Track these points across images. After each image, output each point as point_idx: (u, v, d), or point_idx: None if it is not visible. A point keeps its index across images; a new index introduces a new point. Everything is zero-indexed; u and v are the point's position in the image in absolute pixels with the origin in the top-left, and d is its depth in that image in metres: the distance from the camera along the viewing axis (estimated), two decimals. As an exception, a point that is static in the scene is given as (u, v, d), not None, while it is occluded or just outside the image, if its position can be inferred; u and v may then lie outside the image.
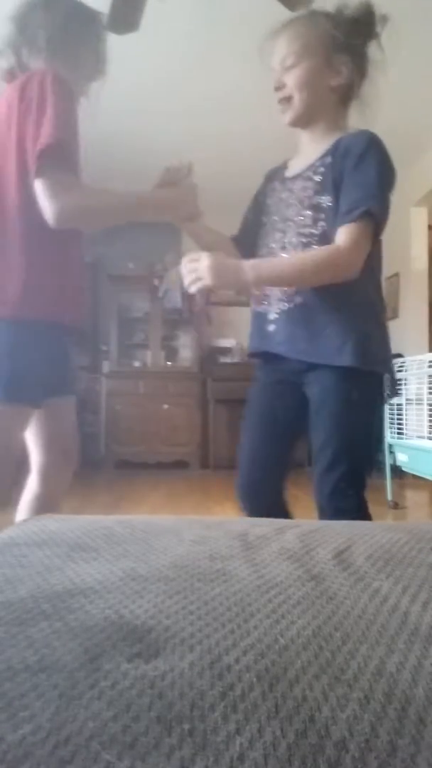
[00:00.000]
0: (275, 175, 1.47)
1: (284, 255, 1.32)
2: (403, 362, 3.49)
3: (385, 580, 0.47)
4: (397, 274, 4.76)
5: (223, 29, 2.98)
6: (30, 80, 1.27)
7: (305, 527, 0.67)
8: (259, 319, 1.42)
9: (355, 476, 1.31)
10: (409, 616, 0.39)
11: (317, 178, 1.30)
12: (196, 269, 1.22)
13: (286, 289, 1.32)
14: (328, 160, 1.28)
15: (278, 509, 1.37)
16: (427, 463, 2.95)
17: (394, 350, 4.47)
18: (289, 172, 1.41)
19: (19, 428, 1.35)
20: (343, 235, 1.21)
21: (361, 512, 1.30)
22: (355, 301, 1.28)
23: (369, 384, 1.30)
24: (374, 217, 1.22)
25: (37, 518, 0.65)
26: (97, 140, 4.20)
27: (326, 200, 1.27)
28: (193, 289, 1.24)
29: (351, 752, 0.25)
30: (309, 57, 1.34)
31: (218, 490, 3.58)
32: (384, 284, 5.10)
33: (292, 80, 1.34)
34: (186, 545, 0.54)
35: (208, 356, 5.03)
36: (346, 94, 1.35)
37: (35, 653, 0.32)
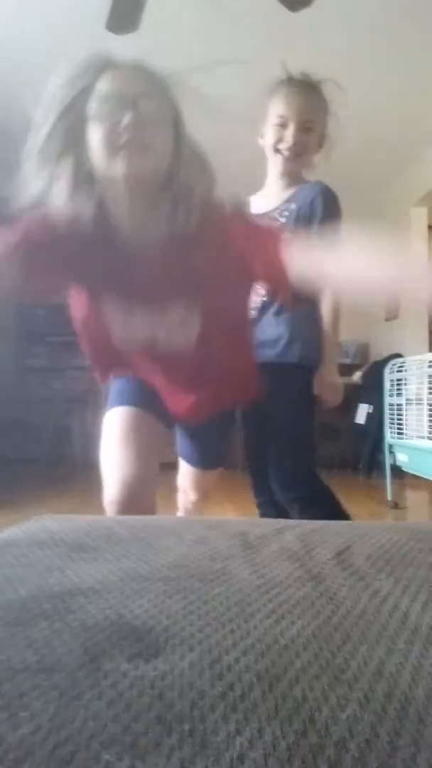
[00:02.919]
0: None
1: None
2: (403, 362, 3.49)
3: (385, 580, 0.47)
4: (397, 274, 4.76)
5: (223, 30, 2.98)
6: None
7: (305, 527, 0.67)
8: None
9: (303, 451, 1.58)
10: (409, 616, 0.39)
11: (282, 219, 1.62)
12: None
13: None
14: (293, 206, 1.61)
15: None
16: (427, 463, 2.95)
17: (393, 350, 4.47)
18: (254, 210, 1.70)
19: None
20: None
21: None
22: (304, 317, 1.60)
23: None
24: None
25: (37, 518, 0.65)
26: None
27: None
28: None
29: (351, 752, 0.25)
30: (321, 125, 1.64)
31: (218, 490, 3.58)
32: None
33: (307, 142, 1.63)
34: (186, 545, 0.54)
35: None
36: None
37: (35, 653, 0.32)
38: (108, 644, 0.33)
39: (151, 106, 0.93)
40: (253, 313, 1.64)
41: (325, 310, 1.61)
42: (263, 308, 1.63)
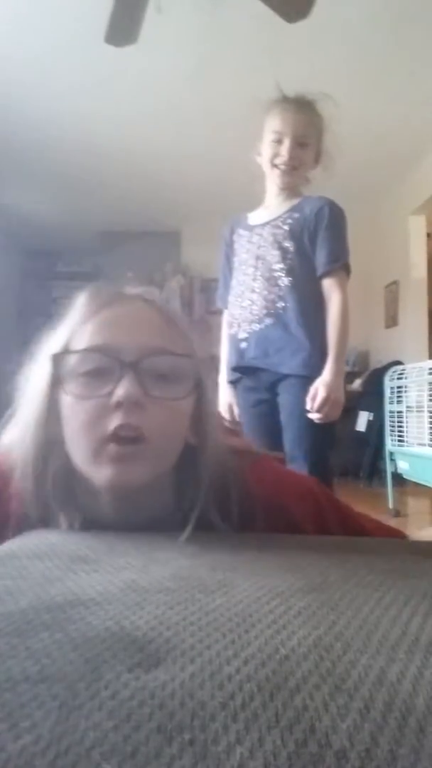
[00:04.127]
0: (238, 224, 1.86)
1: (255, 285, 1.70)
2: (403, 370, 3.49)
3: (387, 591, 0.47)
4: (395, 282, 4.77)
5: (222, 41, 3.01)
6: None
7: (309, 540, 0.67)
8: (232, 339, 1.75)
9: (318, 467, 1.59)
10: (410, 626, 0.39)
11: (286, 227, 1.70)
12: (326, 408, 1.56)
13: (256, 312, 1.68)
14: (296, 215, 1.70)
15: None
16: (428, 471, 2.95)
17: (393, 358, 4.51)
18: (255, 221, 1.80)
19: None
20: (335, 287, 1.65)
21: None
22: (315, 324, 1.64)
23: None
24: (348, 267, 1.69)
25: (37, 531, 0.65)
26: (94, 151, 4.22)
27: (291, 245, 1.68)
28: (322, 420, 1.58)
29: (351, 762, 0.25)
30: (317, 141, 1.70)
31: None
32: (383, 292, 5.12)
33: (302, 156, 1.69)
34: (187, 557, 0.54)
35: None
36: None
37: (36, 663, 0.32)
38: (109, 654, 0.33)
39: (167, 362, 0.64)
40: (264, 318, 1.65)
41: (332, 318, 1.62)
42: (277, 314, 1.64)
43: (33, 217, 5.42)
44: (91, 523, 0.66)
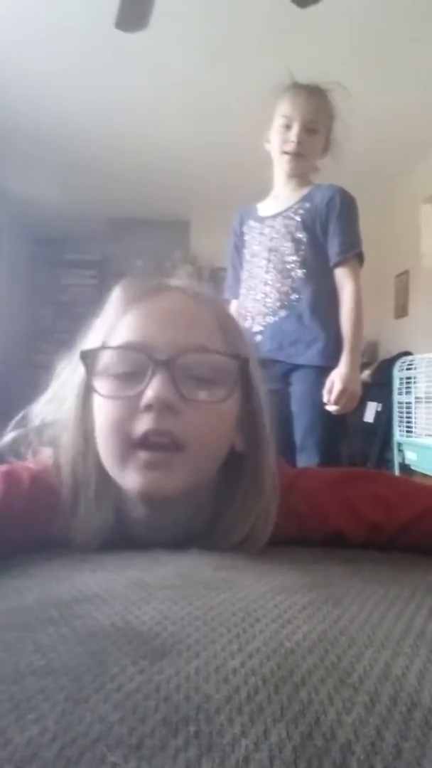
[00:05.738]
0: (248, 215, 1.85)
1: (268, 277, 1.69)
2: (413, 360, 3.47)
3: (392, 585, 0.47)
4: (406, 272, 4.73)
5: (234, 26, 2.97)
6: None
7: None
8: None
9: (329, 457, 1.62)
10: (414, 620, 0.39)
11: (297, 218, 1.69)
12: (343, 399, 1.57)
13: (270, 305, 1.69)
14: (307, 205, 1.69)
15: None
16: (437, 462, 2.94)
17: (402, 348, 4.47)
18: (265, 212, 1.79)
19: None
20: (348, 277, 1.64)
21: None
22: (329, 315, 1.64)
23: None
24: (361, 256, 1.68)
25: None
26: (102, 138, 4.20)
27: (304, 236, 1.67)
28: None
29: (356, 755, 0.25)
30: (326, 128, 1.69)
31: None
32: (393, 282, 5.06)
33: (311, 143, 1.67)
34: (191, 556, 0.54)
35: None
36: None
37: (42, 657, 0.32)
38: (114, 648, 0.33)
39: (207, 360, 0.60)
40: (278, 311, 1.65)
41: (346, 308, 1.61)
42: (291, 306, 1.63)
43: (40, 204, 5.40)
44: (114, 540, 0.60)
